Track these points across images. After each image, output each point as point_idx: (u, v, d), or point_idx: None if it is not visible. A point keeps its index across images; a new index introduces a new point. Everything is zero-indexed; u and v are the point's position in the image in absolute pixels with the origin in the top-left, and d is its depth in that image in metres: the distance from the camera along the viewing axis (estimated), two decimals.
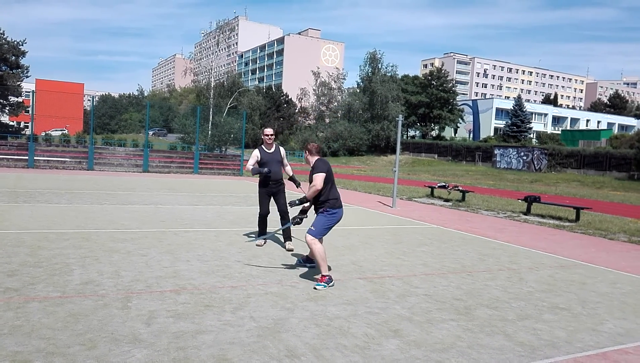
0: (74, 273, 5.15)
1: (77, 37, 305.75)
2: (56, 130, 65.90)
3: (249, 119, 58.20)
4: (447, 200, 16.02)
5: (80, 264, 5.55)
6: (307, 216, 5.86)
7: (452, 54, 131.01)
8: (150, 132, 72.65)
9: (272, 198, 7.29)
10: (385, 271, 6.18)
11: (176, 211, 10.48)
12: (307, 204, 5.79)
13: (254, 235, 7.91)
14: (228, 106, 52.93)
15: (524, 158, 44.13)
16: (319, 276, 5.39)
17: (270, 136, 7.12)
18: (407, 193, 17.75)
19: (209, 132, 42.66)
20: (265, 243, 7.47)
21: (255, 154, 7.13)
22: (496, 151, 47.36)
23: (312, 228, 5.40)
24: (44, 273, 5.10)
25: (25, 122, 69.13)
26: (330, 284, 5.31)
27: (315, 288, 5.17)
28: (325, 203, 5.44)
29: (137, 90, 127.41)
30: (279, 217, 7.31)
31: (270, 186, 7.19)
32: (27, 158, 21.14)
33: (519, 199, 15.19)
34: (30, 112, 22.54)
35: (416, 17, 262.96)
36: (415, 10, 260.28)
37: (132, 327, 3.79)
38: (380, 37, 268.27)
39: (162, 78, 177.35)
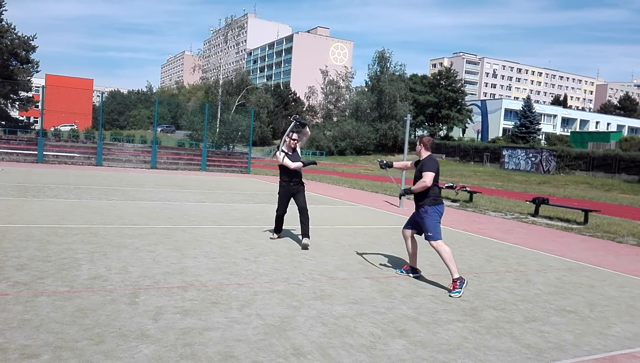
0: (82, 268, 5.19)
1: (87, 33, 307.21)
2: (65, 125, 66.31)
3: (257, 117, 58.28)
4: (454, 201, 15.97)
5: (88, 259, 5.59)
6: (410, 196, 5.76)
7: (461, 54, 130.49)
8: (159, 129, 72.96)
9: (292, 197, 7.48)
10: (392, 271, 6.17)
11: (184, 207, 10.51)
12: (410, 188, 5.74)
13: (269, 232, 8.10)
14: (236, 104, 53.04)
15: (533, 159, 43.91)
16: (450, 285, 5.35)
17: (294, 141, 7.41)
18: None
19: (217, 129, 42.81)
20: (278, 237, 7.77)
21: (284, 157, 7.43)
22: (504, 152, 47.15)
23: (430, 233, 5.47)
24: (53, 267, 5.14)
25: (34, 117, 69.63)
26: (464, 285, 5.28)
27: (450, 296, 5.17)
28: (426, 199, 5.52)
29: (145, 86, 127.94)
30: (298, 214, 7.38)
31: (292, 186, 7.40)
32: (36, 152, 21.29)
33: (527, 200, 15.11)
34: (39, 107, 22.68)
35: (426, 17, 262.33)
36: (425, 10, 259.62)
37: (140, 322, 3.81)
38: (389, 36, 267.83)
39: (170, 75, 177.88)
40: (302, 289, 5.08)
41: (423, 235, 5.63)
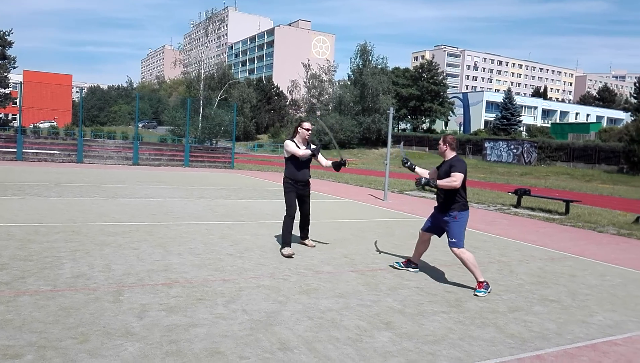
0: (64, 267, 5.12)
1: (65, 27, 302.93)
2: (44, 122, 65.38)
3: (240, 112, 57.98)
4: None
5: (71, 257, 5.52)
6: (430, 184, 5.34)
7: (442, 47, 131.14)
8: (140, 125, 72.28)
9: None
10: (377, 264, 6.20)
11: (167, 204, 10.43)
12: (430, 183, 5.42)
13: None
14: (218, 98, 52.68)
15: (514, 151, 44.37)
16: (475, 284, 5.25)
17: (309, 132, 6.52)
18: (399, 186, 17.80)
19: (200, 124, 42.50)
20: (293, 254, 6.34)
21: (293, 145, 6.42)
22: (486, 144, 47.56)
23: (454, 240, 5.30)
24: (35, 266, 5.06)
25: (13, 114, 68.43)
26: (489, 290, 5.17)
27: (476, 295, 5.08)
28: (455, 204, 5.31)
29: (126, 82, 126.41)
30: (299, 222, 6.85)
31: (298, 187, 6.57)
32: (15, 150, 20.92)
33: (509, 192, 15.29)
34: (18, 104, 22.28)
35: (407, 9, 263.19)
36: (407, 2, 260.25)
37: (124, 320, 3.78)
38: (371, 29, 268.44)
39: (151, 70, 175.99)
40: (287, 284, 5.08)
41: (448, 240, 5.43)
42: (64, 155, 21.98)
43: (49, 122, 66.24)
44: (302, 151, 6.38)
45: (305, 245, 7.00)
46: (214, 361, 3.19)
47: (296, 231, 6.83)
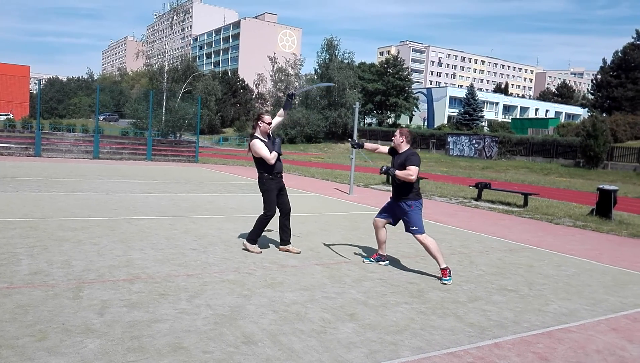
0: (22, 263, 4.98)
1: (23, 17, 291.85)
2: (0, 115, 63.06)
3: (205, 105, 57.24)
4: None
5: (28, 254, 5.37)
6: (389, 172, 5.58)
7: (407, 43, 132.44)
8: (101, 117, 70.55)
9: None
10: (342, 257, 6.25)
11: (129, 199, 10.24)
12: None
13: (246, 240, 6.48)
14: (182, 91, 51.77)
15: (476, 145, 45.23)
16: (439, 273, 5.43)
17: (270, 126, 6.15)
18: (364, 180, 17.94)
19: (163, 117, 41.72)
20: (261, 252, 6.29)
21: (262, 144, 6.08)
22: (449, 139, 48.35)
23: (415, 227, 5.49)
24: None
25: None
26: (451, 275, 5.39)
27: (444, 284, 5.25)
28: (410, 194, 5.53)
29: (86, 73, 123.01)
30: (280, 218, 6.38)
31: (277, 180, 6.27)
32: None
33: (470, 185, 15.59)
34: None
35: (374, 5, 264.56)
36: None
37: (84, 317, 3.71)
38: (337, 24, 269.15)
39: (113, 61, 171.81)
40: (252, 278, 5.07)
41: (404, 227, 5.66)
42: (21, 148, 21.27)
43: (5, 114, 63.91)
44: (273, 156, 6.05)
45: (290, 251, 6.37)
46: (177, 356, 3.17)
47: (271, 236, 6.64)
